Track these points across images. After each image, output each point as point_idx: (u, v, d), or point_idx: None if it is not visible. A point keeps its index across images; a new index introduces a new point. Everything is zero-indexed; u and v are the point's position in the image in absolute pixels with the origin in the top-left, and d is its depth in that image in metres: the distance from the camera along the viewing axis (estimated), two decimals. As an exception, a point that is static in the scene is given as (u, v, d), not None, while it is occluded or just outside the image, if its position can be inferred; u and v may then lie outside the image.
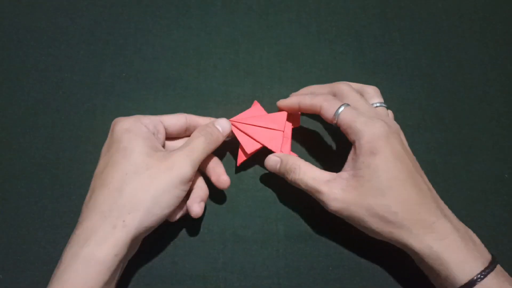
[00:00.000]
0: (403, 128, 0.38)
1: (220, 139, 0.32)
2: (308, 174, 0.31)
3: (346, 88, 0.33)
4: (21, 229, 0.33)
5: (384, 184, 0.28)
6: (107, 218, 0.26)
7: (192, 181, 0.31)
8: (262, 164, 0.36)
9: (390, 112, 0.35)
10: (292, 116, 0.35)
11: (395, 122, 0.32)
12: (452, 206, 0.35)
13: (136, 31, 0.41)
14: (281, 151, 0.34)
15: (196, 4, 0.43)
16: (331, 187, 0.29)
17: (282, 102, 0.35)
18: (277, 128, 0.34)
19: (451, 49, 0.43)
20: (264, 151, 0.34)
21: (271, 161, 0.33)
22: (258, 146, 0.34)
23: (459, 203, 0.36)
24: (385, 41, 0.42)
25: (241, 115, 0.35)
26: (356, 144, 0.29)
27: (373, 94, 0.34)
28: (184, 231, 0.34)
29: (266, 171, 0.36)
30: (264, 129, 0.34)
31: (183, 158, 0.29)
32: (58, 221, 0.33)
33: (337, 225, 0.33)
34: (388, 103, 0.39)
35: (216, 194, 0.35)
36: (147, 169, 0.27)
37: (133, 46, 0.41)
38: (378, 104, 0.34)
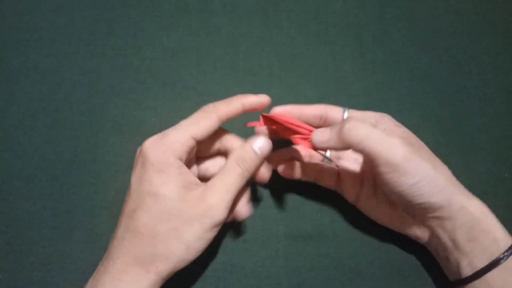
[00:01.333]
0: (403, 128, 0.38)
1: (258, 165, 0.29)
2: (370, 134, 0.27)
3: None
4: (21, 229, 0.33)
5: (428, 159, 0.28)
6: (141, 262, 0.26)
7: None
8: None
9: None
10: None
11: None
12: (452, 206, 0.35)
13: (136, 31, 0.41)
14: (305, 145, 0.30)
15: (196, 4, 0.43)
16: (393, 150, 0.27)
17: (277, 109, 0.32)
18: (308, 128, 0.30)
19: (451, 49, 0.43)
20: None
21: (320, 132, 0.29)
22: (288, 121, 0.30)
23: (459, 203, 0.36)
24: (385, 41, 0.42)
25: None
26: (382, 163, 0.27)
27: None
28: (184, 231, 0.34)
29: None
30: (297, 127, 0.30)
31: (220, 201, 0.26)
32: (58, 221, 0.33)
33: (337, 225, 0.33)
34: (388, 103, 0.39)
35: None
36: (180, 216, 0.26)
37: (133, 46, 0.41)
38: None
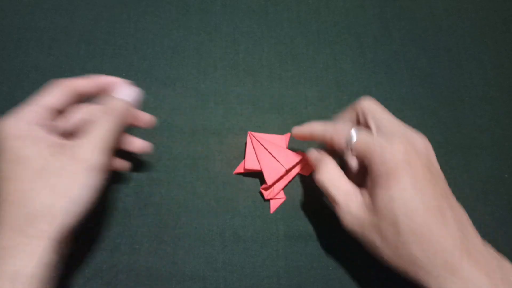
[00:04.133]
0: (403, 128, 0.38)
1: (129, 111, 0.29)
2: (333, 181, 0.29)
3: (367, 104, 0.30)
4: (21, 229, 0.33)
5: (399, 219, 0.25)
6: (18, 231, 0.24)
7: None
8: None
9: None
10: (307, 164, 0.35)
11: (421, 136, 0.29)
12: (452, 206, 0.35)
13: (136, 31, 0.41)
14: (271, 185, 0.34)
15: (196, 4, 0.43)
16: (348, 205, 0.28)
17: (295, 130, 0.33)
18: (283, 164, 0.34)
19: (451, 49, 0.43)
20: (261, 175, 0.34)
21: (311, 153, 0.32)
22: (257, 167, 0.34)
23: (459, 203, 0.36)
24: (385, 41, 0.42)
25: (263, 135, 0.35)
26: (373, 167, 0.27)
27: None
28: (184, 231, 0.34)
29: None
30: (272, 158, 0.34)
31: (88, 144, 0.26)
32: (58, 221, 0.33)
33: (337, 225, 0.33)
34: (388, 103, 0.39)
35: (216, 194, 0.35)
36: (50, 170, 0.25)
37: (133, 46, 0.41)
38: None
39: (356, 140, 0.28)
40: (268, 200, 0.35)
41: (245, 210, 0.35)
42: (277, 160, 0.34)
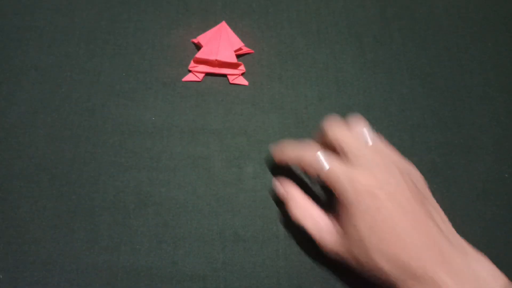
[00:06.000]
0: (403, 128, 0.38)
1: None
2: (304, 212, 0.31)
3: (336, 133, 0.31)
4: (21, 229, 0.33)
5: (365, 242, 0.27)
6: None
7: None
8: (262, 165, 0.36)
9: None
10: (235, 75, 0.40)
11: (388, 162, 0.29)
12: (452, 206, 0.35)
13: (135, 31, 0.41)
14: (199, 60, 0.39)
15: (196, 4, 0.43)
16: (320, 235, 0.30)
17: (275, 158, 0.35)
18: (217, 54, 0.39)
19: (451, 49, 0.43)
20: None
21: (277, 187, 0.34)
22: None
23: (459, 203, 0.36)
24: (385, 40, 0.42)
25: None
26: (339, 196, 0.28)
27: (360, 128, 0.32)
28: (184, 231, 0.34)
29: (267, 173, 0.36)
30: (218, 45, 0.40)
31: None
32: (58, 221, 0.33)
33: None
34: (388, 103, 0.39)
35: (216, 194, 0.35)
36: None
37: (133, 46, 0.41)
38: (369, 140, 0.31)
39: (324, 169, 0.29)
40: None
41: (245, 210, 0.35)
42: (218, 49, 0.39)
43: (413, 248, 0.26)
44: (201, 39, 0.40)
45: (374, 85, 0.40)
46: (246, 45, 0.41)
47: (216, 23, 0.42)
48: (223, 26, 0.41)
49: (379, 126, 0.38)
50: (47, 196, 0.34)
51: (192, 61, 0.40)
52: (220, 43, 0.39)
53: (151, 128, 0.37)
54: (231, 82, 0.39)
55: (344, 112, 0.39)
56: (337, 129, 0.31)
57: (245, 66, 0.40)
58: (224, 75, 0.39)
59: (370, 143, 0.31)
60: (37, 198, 0.34)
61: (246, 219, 0.34)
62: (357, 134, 0.31)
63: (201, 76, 0.39)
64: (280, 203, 0.35)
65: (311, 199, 0.32)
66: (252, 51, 0.41)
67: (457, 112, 0.40)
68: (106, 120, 0.37)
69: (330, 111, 0.39)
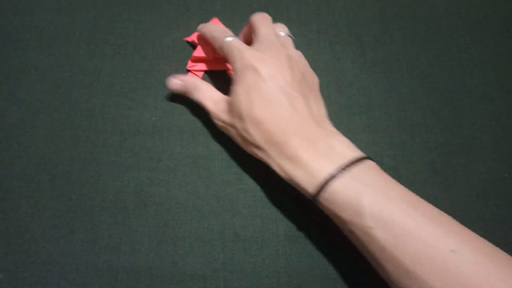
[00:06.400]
0: (403, 128, 0.38)
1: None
2: (204, 94, 0.35)
3: (256, 18, 0.36)
4: (21, 229, 0.33)
5: (243, 114, 0.31)
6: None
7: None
8: (262, 165, 0.36)
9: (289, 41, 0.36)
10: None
11: (281, 52, 0.33)
12: (452, 206, 0.35)
13: (136, 31, 0.41)
14: (197, 59, 0.40)
15: (196, 4, 0.43)
16: (216, 106, 0.34)
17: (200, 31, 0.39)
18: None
19: (451, 49, 0.43)
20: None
21: (173, 84, 0.37)
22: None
23: (459, 203, 0.36)
24: (385, 40, 0.42)
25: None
26: (232, 72, 0.33)
27: (279, 27, 0.37)
28: (184, 231, 0.34)
29: (267, 173, 0.36)
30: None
31: None
32: (58, 221, 0.33)
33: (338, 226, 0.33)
34: (388, 103, 0.39)
35: (216, 194, 0.35)
36: None
37: (133, 46, 0.41)
38: (283, 34, 0.36)
39: (226, 41, 0.34)
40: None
41: (245, 210, 0.35)
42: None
43: (278, 121, 0.30)
44: (195, 37, 0.40)
45: (374, 85, 0.40)
46: None
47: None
48: (214, 22, 0.41)
49: (379, 126, 0.38)
50: (47, 196, 0.34)
51: (189, 61, 0.40)
52: None
53: (151, 128, 0.37)
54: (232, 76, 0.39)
55: (344, 112, 0.39)
56: (260, 17, 0.36)
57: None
58: (224, 70, 0.40)
59: (282, 35, 0.36)
60: (37, 198, 0.34)
61: (246, 219, 0.34)
62: (275, 27, 0.36)
63: (200, 74, 0.39)
64: (280, 203, 0.35)
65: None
66: None
67: (457, 112, 0.40)
68: (106, 120, 0.37)
69: (330, 111, 0.39)
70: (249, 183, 0.36)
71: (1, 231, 0.33)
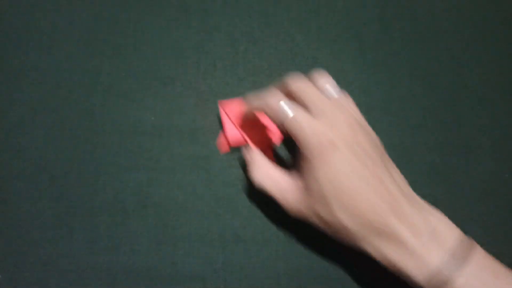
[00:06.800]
0: (403, 128, 0.38)
1: None
2: (265, 172, 0.30)
3: (297, 85, 0.31)
4: (21, 229, 0.33)
5: (328, 198, 0.27)
6: None
7: None
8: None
9: (346, 97, 0.32)
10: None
11: (348, 112, 0.29)
12: (452, 206, 0.35)
13: (135, 31, 0.41)
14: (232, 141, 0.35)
15: (196, 3, 0.43)
16: (284, 197, 0.29)
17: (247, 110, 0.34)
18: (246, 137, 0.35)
19: (452, 49, 0.42)
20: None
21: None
22: (242, 141, 0.35)
23: (459, 203, 0.36)
24: (385, 40, 0.42)
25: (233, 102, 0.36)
26: (300, 147, 0.28)
27: (324, 82, 0.31)
28: (183, 231, 0.34)
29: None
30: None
31: None
32: (58, 221, 0.33)
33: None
34: (388, 103, 0.39)
35: (216, 194, 0.35)
36: None
37: (133, 46, 0.40)
38: (334, 93, 0.31)
39: (288, 117, 0.29)
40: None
41: (245, 210, 0.35)
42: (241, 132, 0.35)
43: (372, 201, 0.26)
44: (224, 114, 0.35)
45: (374, 85, 0.40)
46: (247, 46, 0.41)
47: (216, 22, 0.42)
48: (235, 102, 0.37)
49: (379, 126, 0.38)
50: (47, 196, 0.34)
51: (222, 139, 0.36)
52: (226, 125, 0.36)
53: (151, 128, 0.37)
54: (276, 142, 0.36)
55: (344, 112, 0.39)
56: (299, 81, 0.31)
57: (245, 66, 0.40)
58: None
59: (335, 96, 0.30)
60: (37, 198, 0.34)
61: (246, 220, 0.34)
62: (320, 87, 0.31)
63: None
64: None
65: (273, 162, 0.31)
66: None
67: (457, 112, 0.40)
68: (106, 120, 0.37)
69: (330, 111, 0.39)
70: (249, 183, 0.36)
71: (1, 231, 0.33)
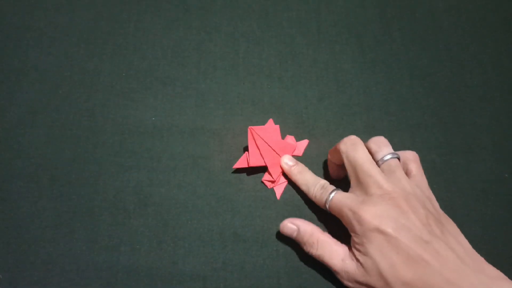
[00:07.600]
0: (403, 128, 0.38)
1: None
2: (326, 250, 0.30)
3: (350, 156, 0.31)
4: (21, 229, 0.33)
5: (384, 272, 0.27)
6: None
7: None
8: (262, 166, 0.36)
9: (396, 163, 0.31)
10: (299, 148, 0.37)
11: (402, 188, 0.29)
12: (452, 206, 0.35)
13: (135, 31, 0.41)
14: (276, 179, 0.35)
15: (196, 4, 0.43)
16: (345, 267, 0.29)
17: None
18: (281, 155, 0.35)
19: (452, 49, 0.43)
20: (262, 169, 0.35)
21: (287, 228, 0.32)
22: (262, 163, 0.35)
23: (459, 203, 0.36)
24: (385, 41, 0.42)
25: (262, 128, 0.35)
26: (349, 229, 0.29)
27: (378, 148, 0.32)
28: (184, 231, 0.34)
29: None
30: (274, 152, 0.35)
31: None
32: (58, 221, 0.33)
33: (337, 225, 0.33)
34: (388, 103, 0.39)
35: (216, 194, 0.35)
36: None
37: (133, 46, 0.41)
38: (388, 157, 0.31)
39: (330, 201, 0.31)
40: (272, 189, 0.35)
41: (245, 210, 0.35)
42: (278, 154, 0.35)
43: (429, 277, 0.26)
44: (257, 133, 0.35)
45: (374, 85, 0.40)
46: (247, 46, 0.41)
47: (216, 22, 0.42)
48: (270, 123, 0.38)
49: (379, 126, 0.38)
50: (47, 196, 0.34)
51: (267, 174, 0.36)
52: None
53: (151, 128, 0.37)
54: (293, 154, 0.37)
55: (344, 112, 0.39)
56: (356, 152, 0.31)
57: (245, 66, 0.40)
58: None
59: (385, 157, 0.31)
60: (37, 198, 0.34)
61: (246, 219, 0.34)
62: (376, 160, 0.31)
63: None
64: (280, 203, 0.35)
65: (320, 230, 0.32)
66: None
67: (457, 112, 0.40)
68: (106, 120, 0.37)
69: (330, 111, 0.39)
70: (249, 183, 0.36)
71: (1, 231, 0.33)
